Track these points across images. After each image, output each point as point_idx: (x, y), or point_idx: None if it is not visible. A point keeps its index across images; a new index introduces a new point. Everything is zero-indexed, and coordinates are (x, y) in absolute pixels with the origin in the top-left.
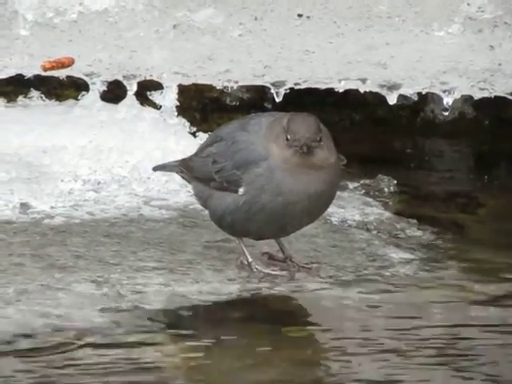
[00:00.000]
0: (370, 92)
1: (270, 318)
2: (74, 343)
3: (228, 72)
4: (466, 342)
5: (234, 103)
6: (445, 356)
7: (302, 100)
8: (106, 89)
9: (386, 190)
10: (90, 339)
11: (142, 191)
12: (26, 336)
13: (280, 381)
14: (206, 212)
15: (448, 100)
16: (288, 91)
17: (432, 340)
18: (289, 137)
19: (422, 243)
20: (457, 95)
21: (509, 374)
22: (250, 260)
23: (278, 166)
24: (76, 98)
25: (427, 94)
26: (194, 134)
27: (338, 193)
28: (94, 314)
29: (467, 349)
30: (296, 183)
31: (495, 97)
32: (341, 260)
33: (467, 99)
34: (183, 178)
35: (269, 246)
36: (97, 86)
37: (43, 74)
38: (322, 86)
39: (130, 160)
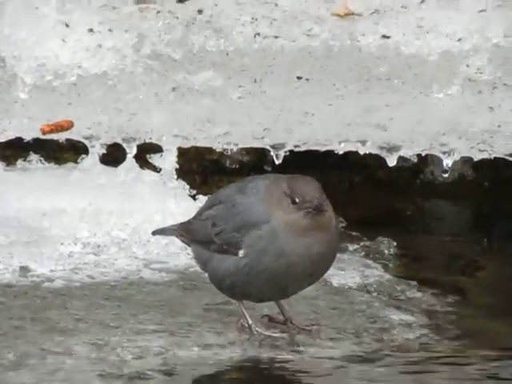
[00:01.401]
0: (370, 154)
1: (270, 380)
2: None
3: (228, 134)
4: None
5: (233, 166)
6: None
7: (301, 162)
8: (105, 152)
9: (385, 252)
10: None
11: (142, 254)
12: None
13: None
14: (206, 275)
15: (448, 162)
16: (288, 153)
17: None
18: (297, 200)
19: (423, 306)
20: (456, 157)
21: None
22: (251, 322)
23: (280, 228)
24: (75, 161)
25: (427, 155)
26: (193, 197)
27: (338, 255)
28: (95, 379)
29: None
30: (298, 245)
31: (495, 158)
32: (341, 322)
33: (467, 161)
34: (183, 241)
35: (269, 308)
36: (96, 149)
37: (42, 137)
38: (322, 148)
39: (130, 223)
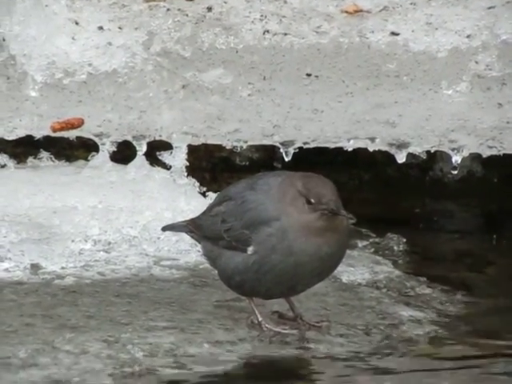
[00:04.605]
0: (379, 151)
1: (280, 376)
2: None
3: (237, 132)
4: None
5: (243, 163)
6: None
7: (311, 159)
8: (115, 149)
9: (395, 248)
10: None
11: (153, 251)
12: None
13: None
14: (216, 272)
15: (457, 158)
16: (297, 150)
17: None
18: (312, 200)
19: (432, 302)
20: (465, 153)
21: None
22: (261, 319)
23: (291, 227)
24: (86, 159)
25: (436, 152)
26: (203, 194)
27: (348, 251)
28: (106, 376)
29: None
30: (308, 244)
31: (504, 155)
32: (350, 318)
33: (476, 157)
34: (192, 237)
35: (279, 304)
36: (106, 147)
37: (53, 134)
38: (331, 145)
39: (140, 220)
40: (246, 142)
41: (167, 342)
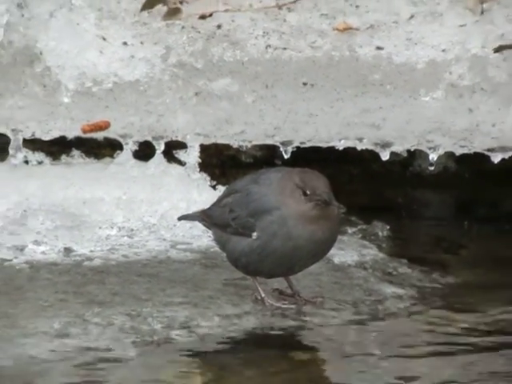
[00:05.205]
0: (366, 149)
1: (281, 345)
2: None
3: (243, 133)
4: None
5: (248, 160)
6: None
7: (307, 157)
8: (137, 148)
9: (379, 234)
10: (123, 370)
11: (170, 236)
12: (68, 361)
13: None
14: (224, 254)
15: (433, 156)
16: (295, 149)
17: (418, 359)
18: (308, 192)
19: (412, 280)
20: (441, 152)
21: None
22: (263, 295)
23: (290, 216)
24: (112, 157)
25: (415, 150)
26: (214, 187)
27: (339, 237)
28: (129, 345)
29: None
30: (304, 231)
31: (474, 153)
32: (341, 295)
33: (450, 155)
34: (204, 225)
35: (279, 283)
36: (129, 146)
37: (83, 135)
38: (325, 145)
39: (159, 210)
40: (250, 141)
41: (182, 315)
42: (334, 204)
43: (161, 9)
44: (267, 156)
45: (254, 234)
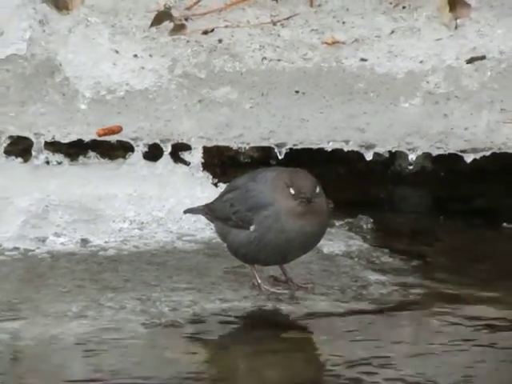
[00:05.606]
0: (352, 151)
1: (275, 326)
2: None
3: (241, 136)
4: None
5: (246, 160)
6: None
7: (299, 157)
8: (147, 150)
9: (364, 226)
10: (134, 348)
11: (176, 229)
12: (84, 340)
13: (280, 365)
14: (225, 245)
15: (412, 156)
16: (288, 151)
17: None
18: (293, 191)
19: (393, 268)
20: (419, 153)
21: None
22: (260, 282)
23: (282, 211)
24: (124, 158)
25: (396, 152)
26: (215, 185)
27: (328, 229)
28: (139, 326)
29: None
30: (296, 224)
31: (449, 154)
32: (330, 281)
33: (427, 156)
34: (207, 218)
35: (274, 270)
36: (140, 148)
37: (98, 139)
38: (315, 147)
39: (166, 205)
40: (248, 144)
41: (187, 299)
42: (314, 201)
43: (168, 25)
44: (263, 157)
45: (252, 227)
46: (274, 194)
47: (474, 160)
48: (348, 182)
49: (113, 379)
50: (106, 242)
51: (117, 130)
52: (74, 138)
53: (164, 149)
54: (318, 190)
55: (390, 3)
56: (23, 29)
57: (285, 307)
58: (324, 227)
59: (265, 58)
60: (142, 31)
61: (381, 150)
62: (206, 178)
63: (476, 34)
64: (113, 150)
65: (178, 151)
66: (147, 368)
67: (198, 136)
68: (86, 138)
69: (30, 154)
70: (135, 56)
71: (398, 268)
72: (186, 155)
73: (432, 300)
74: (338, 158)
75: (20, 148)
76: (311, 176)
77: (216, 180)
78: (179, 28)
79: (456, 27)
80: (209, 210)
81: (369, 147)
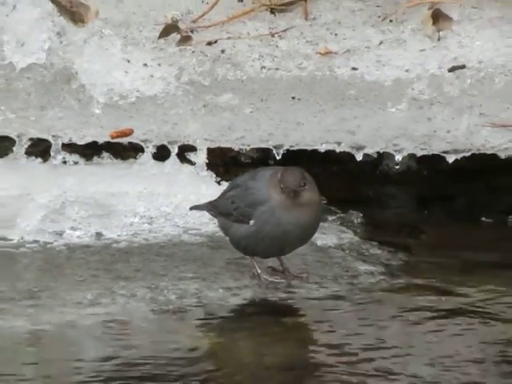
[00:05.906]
0: (344, 152)
1: (273, 312)
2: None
3: (243, 138)
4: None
5: (247, 160)
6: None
7: (295, 158)
8: (155, 151)
9: (355, 221)
10: (144, 333)
11: (182, 223)
12: (98, 326)
13: (278, 347)
14: (227, 238)
15: (398, 157)
16: (285, 152)
17: (388, 322)
18: (282, 186)
19: (381, 259)
20: (405, 154)
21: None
22: (259, 272)
23: (276, 206)
24: (135, 158)
25: (383, 153)
26: (218, 183)
27: (321, 223)
28: (149, 313)
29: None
30: (291, 217)
31: (432, 154)
32: (323, 271)
33: (412, 156)
34: (211, 214)
35: (272, 261)
36: (149, 149)
37: (111, 140)
38: (310, 148)
39: (174, 201)
40: (248, 145)
41: (193, 288)
42: (300, 194)
43: (175, 37)
44: (262, 157)
45: (251, 222)
46: (269, 191)
47: (455, 160)
48: (340, 180)
49: (124, 358)
50: (118, 236)
51: (128, 133)
52: (89, 139)
53: (171, 150)
54: (304, 183)
55: (379, 17)
56: (42, 40)
57: (282, 295)
58: (318, 220)
59: (264, 67)
60: (152, 42)
61: (370, 151)
62: (210, 176)
63: (457, 45)
64: (125, 150)
65: (185, 152)
66: (155, 349)
67: (202, 138)
68: (100, 140)
69: (49, 155)
70: (145, 65)
71: (385, 259)
72: (191, 156)
73: (417, 288)
74: (331, 158)
75: (40, 149)
76: (300, 172)
77: (219, 178)
78: (185, 39)
79: (439, 39)
80: (212, 207)
81: (359, 148)
